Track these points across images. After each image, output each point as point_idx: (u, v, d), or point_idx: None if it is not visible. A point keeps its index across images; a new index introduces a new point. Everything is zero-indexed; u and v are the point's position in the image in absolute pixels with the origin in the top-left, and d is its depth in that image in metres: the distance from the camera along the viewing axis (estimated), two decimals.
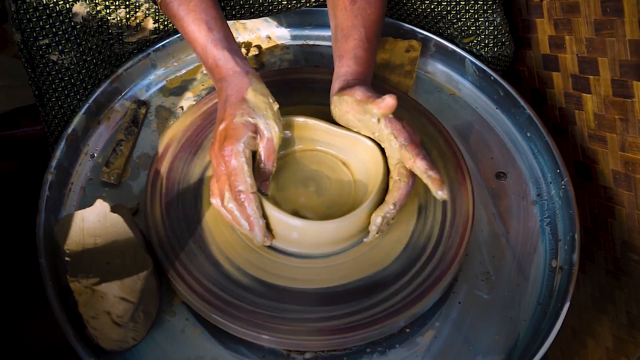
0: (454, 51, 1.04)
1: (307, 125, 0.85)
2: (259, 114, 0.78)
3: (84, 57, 0.95)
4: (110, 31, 0.96)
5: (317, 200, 0.82)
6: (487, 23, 1.04)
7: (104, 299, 0.74)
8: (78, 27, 0.93)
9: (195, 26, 0.83)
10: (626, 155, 0.88)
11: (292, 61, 1.07)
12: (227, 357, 0.78)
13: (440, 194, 0.74)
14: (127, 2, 0.94)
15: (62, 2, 0.91)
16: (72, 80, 0.95)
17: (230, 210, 0.77)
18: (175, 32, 1.01)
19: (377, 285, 0.78)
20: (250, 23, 1.08)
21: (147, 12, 0.97)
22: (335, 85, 0.84)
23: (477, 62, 1.02)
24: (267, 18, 1.08)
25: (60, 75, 0.94)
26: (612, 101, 0.89)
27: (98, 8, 0.93)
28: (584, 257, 0.98)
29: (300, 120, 0.84)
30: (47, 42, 0.92)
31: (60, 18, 0.91)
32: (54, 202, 0.88)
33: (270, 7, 1.01)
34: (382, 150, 0.81)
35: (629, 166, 0.88)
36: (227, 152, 0.76)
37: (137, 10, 0.96)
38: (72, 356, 0.76)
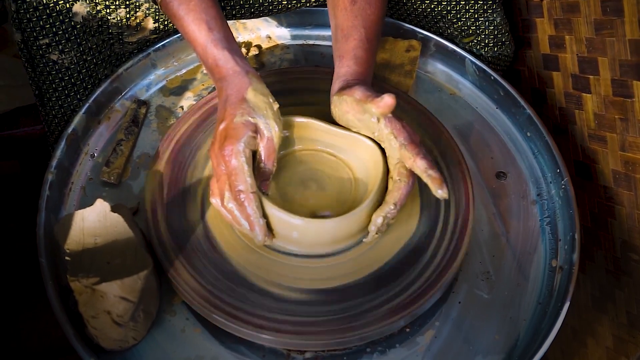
0: (454, 51, 1.04)
1: (307, 125, 0.85)
2: (259, 114, 0.78)
3: (84, 56, 0.95)
4: (110, 31, 0.97)
5: (317, 199, 0.82)
6: (487, 23, 1.04)
7: (104, 298, 0.74)
8: (78, 26, 0.93)
9: (195, 26, 0.83)
10: (626, 155, 0.88)
11: (292, 61, 1.08)
12: (227, 356, 0.78)
13: (441, 192, 0.74)
14: (127, 2, 0.94)
15: (62, 1, 0.91)
16: (73, 80, 0.95)
17: (230, 210, 0.77)
18: (176, 31, 1.01)
19: (377, 285, 0.78)
20: (251, 23, 1.08)
21: (147, 11, 0.97)
22: (336, 85, 0.84)
23: (477, 62, 1.02)
24: (267, 18, 1.08)
25: (60, 75, 0.94)
26: (612, 101, 0.89)
27: (98, 8, 0.93)
28: (584, 257, 0.98)
29: (300, 120, 0.84)
30: (47, 41, 0.92)
31: (61, 18, 0.91)
32: (54, 201, 0.88)
33: (270, 7, 1.01)
34: (382, 149, 0.81)
35: (629, 166, 0.88)
36: (227, 151, 0.76)
37: (137, 10, 0.96)
38: (73, 356, 0.76)
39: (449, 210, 0.84)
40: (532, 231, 0.90)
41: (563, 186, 0.90)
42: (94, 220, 0.79)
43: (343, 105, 0.81)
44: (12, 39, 1.28)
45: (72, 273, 0.75)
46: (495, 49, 1.06)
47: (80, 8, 0.92)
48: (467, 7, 1.03)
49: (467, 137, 0.98)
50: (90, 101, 0.95)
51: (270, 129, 0.78)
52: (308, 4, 1.03)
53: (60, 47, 0.92)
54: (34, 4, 0.89)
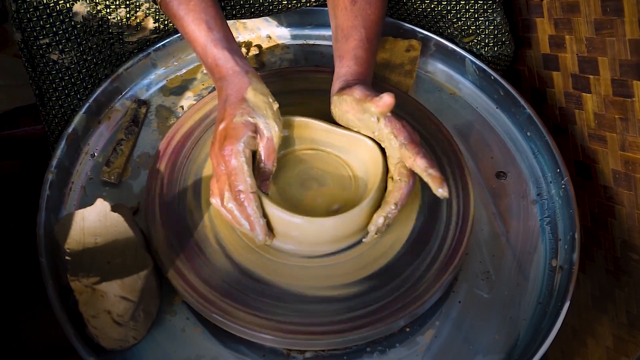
0: (454, 51, 1.04)
1: (307, 125, 0.85)
2: (259, 114, 0.78)
3: (85, 56, 0.95)
4: (110, 31, 0.97)
5: (317, 199, 0.82)
6: (487, 22, 1.04)
7: (104, 298, 0.74)
8: (78, 26, 0.93)
9: (195, 26, 0.83)
10: (626, 154, 0.88)
11: (292, 61, 1.08)
12: (227, 356, 0.78)
13: (441, 191, 0.74)
14: (128, 2, 0.94)
15: (62, 1, 0.91)
16: (73, 80, 0.95)
17: (230, 210, 0.77)
18: (176, 31, 1.01)
19: (377, 285, 0.78)
20: (251, 22, 1.08)
21: (147, 11, 0.97)
22: (336, 85, 0.84)
23: (477, 62, 1.02)
24: (267, 17, 1.08)
25: (60, 75, 0.94)
26: (612, 101, 0.89)
27: (98, 7, 0.93)
28: (584, 257, 0.98)
29: (299, 120, 0.84)
30: (48, 41, 0.92)
31: (61, 17, 0.91)
32: (55, 201, 0.88)
33: (271, 7, 1.01)
34: (382, 149, 0.81)
35: (629, 165, 0.88)
36: (227, 151, 0.76)
37: (138, 9, 0.96)
38: (73, 356, 0.76)
39: (449, 210, 0.84)
40: (532, 231, 0.90)
41: (563, 186, 0.90)
42: (94, 220, 0.79)
43: (343, 105, 0.81)
44: (13, 39, 1.28)
45: (73, 272, 0.75)
46: (495, 49, 1.07)
47: (80, 8, 0.92)
48: (467, 7, 1.03)
49: (467, 136, 0.98)
50: (90, 101, 0.95)
51: (270, 129, 0.78)
52: (308, 4, 1.03)
53: (60, 46, 0.92)
54: (34, 3, 0.89)
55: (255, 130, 0.77)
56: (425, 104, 0.95)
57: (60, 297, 0.77)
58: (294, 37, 1.10)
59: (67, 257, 0.77)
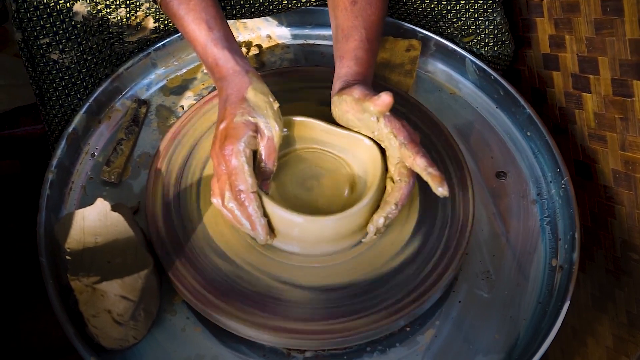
0: (454, 50, 1.04)
1: (307, 125, 0.85)
2: (260, 113, 0.78)
3: (85, 56, 0.95)
4: (110, 30, 0.97)
5: (317, 199, 0.82)
6: (487, 22, 1.04)
7: (104, 297, 0.74)
8: (79, 26, 0.93)
9: (195, 25, 0.83)
10: (626, 154, 0.88)
11: (292, 60, 1.08)
12: (227, 355, 0.78)
13: (441, 190, 0.74)
14: (128, 2, 0.94)
15: (62, 1, 0.91)
16: (73, 80, 0.95)
17: (231, 210, 0.77)
18: (176, 31, 1.01)
19: (377, 284, 0.78)
20: (251, 22, 1.08)
21: (147, 11, 0.97)
22: (336, 85, 0.84)
23: (478, 62, 1.02)
24: (267, 17, 1.08)
25: (60, 75, 0.94)
26: (612, 100, 0.89)
27: (98, 7, 0.93)
28: (584, 256, 0.98)
29: (299, 119, 0.84)
30: (48, 41, 0.92)
31: (61, 17, 0.91)
32: (55, 201, 0.88)
33: (271, 7, 1.01)
34: (381, 149, 0.81)
35: (629, 165, 0.88)
36: (228, 151, 0.76)
37: (138, 9, 0.96)
38: (73, 356, 0.76)
39: (449, 210, 0.84)
40: (532, 231, 0.90)
41: (563, 186, 0.90)
42: (95, 220, 0.79)
43: (343, 105, 0.81)
44: (13, 38, 1.28)
45: (73, 272, 0.75)
46: (495, 49, 1.07)
47: (80, 7, 0.92)
48: (467, 7, 1.03)
49: (467, 136, 0.98)
50: (90, 100, 0.95)
51: (270, 129, 0.78)
52: (308, 4, 1.03)
53: (60, 46, 0.92)
54: (35, 3, 0.89)
55: (256, 129, 0.77)
56: (425, 104, 0.95)
57: (61, 296, 0.77)
58: (294, 36, 1.10)
59: (67, 257, 0.77)
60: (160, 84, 1.03)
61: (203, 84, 1.03)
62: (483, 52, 1.06)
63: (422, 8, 1.04)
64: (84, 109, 0.94)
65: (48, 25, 0.91)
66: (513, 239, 0.89)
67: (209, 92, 0.97)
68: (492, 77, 1.00)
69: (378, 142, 0.81)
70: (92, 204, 0.81)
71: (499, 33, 1.05)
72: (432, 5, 1.04)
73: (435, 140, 0.90)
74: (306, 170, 0.85)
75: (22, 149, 1.22)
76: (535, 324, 0.82)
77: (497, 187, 0.93)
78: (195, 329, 0.80)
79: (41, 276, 0.78)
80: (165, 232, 0.81)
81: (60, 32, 0.92)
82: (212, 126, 0.90)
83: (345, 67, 0.85)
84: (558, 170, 0.92)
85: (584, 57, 0.94)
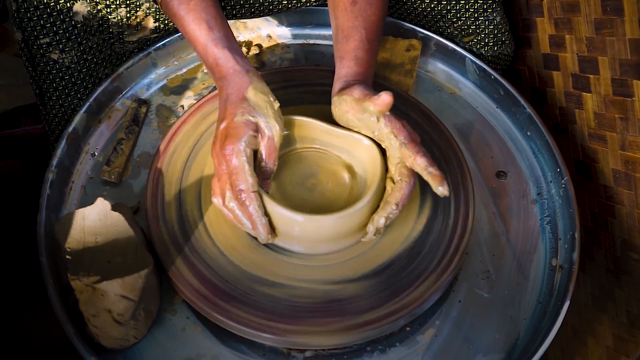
0: (455, 50, 1.04)
1: (307, 125, 0.85)
2: (260, 113, 0.78)
3: (85, 56, 0.95)
4: (110, 30, 0.97)
5: (317, 198, 0.82)
6: (487, 22, 1.04)
7: (104, 297, 0.74)
8: (79, 26, 0.93)
9: (196, 25, 0.83)
10: (626, 154, 0.88)
11: (292, 60, 1.08)
12: (227, 355, 0.78)
13: (441, 189, 0.74)
14: (128, 2, 0.94)
15: (62, 1, 0.91)
16: (73, 79, 0.95)
17: (232, 210, 0.77)
18: (176, 31, 1.01)
19: (377, 284, 0.78)
20: (251, 22, 1.08)
21: (147, 11, 0.97)
22: (336, 86, 0.84)
23: (478, 61, 1.02)
24: (267, 17, 1.08)
25: (60, 74, 0.95)
26: (612, 100, 0.89)
27: (99, 7, 0.93)
28: (584, 256, 0.98)
29: (299, 119, 0.84)
30: (48, 40, 0.92)
31: (61, 17, 0.91)
32: (55, 200, 0.88)
33: (271, 7, 1.01)
34: (381, 149, 0.81)
35: (629, 165, 0.88)
36: (228, 151, 0.76)
37: (138, 9, 0.96)
38: (73, 355, 0.76)
39: (449, 210, 0.84)
40: (532, 230, 0.90)
41: (563, 185, 0.90)
42: (95, 219, 0.79)
43: (343, 105, 0.81)
44: (13, 38, 1.28)
45: (73, 272, 0.75)
46: (495, 48, 1.07)
47: (80, 7, 0.92)
48: (467, 7, 1.03)
49: (468, 136, 0.98)
50: (90, 100, 0.95)
51: (271, 128, 0.78)
52: (308, 4, 1.03)
53: (60, 46, 0.92)
54: (35, 3, 0.89)
55: (256, 129, 0.77)
56: (425, 104, 0.95)
57: (61, 296, 0.77)
58: (294, 36, 1.10)
59: (67, 256, 0.77)
60: (161, 84, 1.03)
61: (203, 84, 1.03)
62: (483, 52, 1.06)
63: (422, 8, 1.04)
64: (84, 109, 0.94)
65: (48, 25, 0.91)
66: (513, 239, 0.89)
67: (209, 92, 0.97)
68: (492, 77, 1.00)
69: (378, 142, 0.81)
70: (92, 203, 0.81)
71: (499, 33, 1.05)
72: (432, 5, 1.04)
73: (436, 140, 0.90)
74: (306, 170, 0.85)
75: (22, 149, 1.22)
76: (535, 323, 0.82)
77: (497, 187, 0.93)
78: (195, 329, 0.80)
79: (41, 276, 0.78)
80: (165, 231, 0.81)
81: (61, 31, 0.92)
82: (212, 126, 0.90)
83: (345, 68, 0.85)
84: (558, 170, 0.92)
85: (584, 57, 0.94)
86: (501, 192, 0.93)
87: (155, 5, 0.96)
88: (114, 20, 0.95)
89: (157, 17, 0.98)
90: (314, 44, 1.10)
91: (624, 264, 0.90)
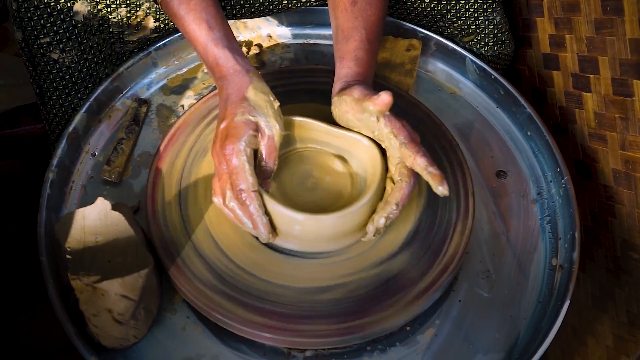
0: (455, 50, 1.04)
1: (307, 126, 0.85)
2: (260, 112, 0.78)
3: (85, 55, 0.95)
4: (111, 30, 0.97)
5: (317, 198, 0.82)
6: (487, 22, 1.04)
7: (105, 296, 0.74)
8: (79, 25, 0.93)
9: (196, 25, 0.83)
10: (626, 153, 0.88)
11: (292, 60, 1.08)
12: (228, 355, 0.78)
13: (441, 189, 0.74)
14: (128, 1, 0.95)
15: (63, 0, 0.91)
16: (73, 79, 0.95)
17: (233, 209, 0.77)
18: (176, 30, 1.01)
19: (377, 284, 0.78)
20: (251, 22, 1.09)
21: (147, 11, 0.97)
22: (336, 86, 0.84)
23: (478, 61, 1.02)
24: (267, 17, 1.08)
25: (61, 74, 0.95)
26: (612, 100, 0.89)
27: (99, 7, 0.93)
28: (584, 256, 0.98)
29: (299, 120, 0.84)
30: (48, 40, 0.92)
31: (61, 17, 0.91)
32: (55, 200, 0.88)
33: (271, 7, 1.01)
34: (381, 149, 0.81)
35: (629, 165, 0.88)
36: (229, 150, 0.76)
37: (138, 9, 0.96)
38: (73, 355, 0.77)
39: (449, 209, 0.84)
40: (532, 230, 0.90)
41: (563, 185, 0.90)
42: (95, 219, 0.79)
43: (343, 105, 0.81)
44: (13, 38, 1.28)
45: (73, 271, 0.75)
46: (495, 48, 1.07)
47: (81, 7, 0.92)
48: (467, 6, 1.03)
49: (468, 136, 0.98)
50: (91, 100, 0.95)
51: (271, 128, 0.78)
52: (308, 4, 1.03)
53: (61, 46, 0.93)
54: (35, 2, 0.89)
55: (257, 128, 0.77)
56: (425, 103, 0.95)
57: (61, 295, 0.77)
58: (294, 36, 1.10)
59: (67, 256, 0.77)
60: (161, 84, 1.03)
61: (203, 83, 1.03)
62: (483, 51, 1.07)
63: (422, 8, 1.04)
64: (84, 109, 0.94)
65: (48, 25, 0.91)
66: (513, 238, 0.89)
67: (210, 92, 0.97)
68: (493, 76, 1.00)
69: (378, 142, 0.81)
70: (92, 203, 0.81)
71: (499, 33, 1.05)
72: (432, 5, 1.04)
73: (436, 139, 0.90)
74: (306, 169, 0.85)
75: (23, 149, 1.22)
76: (535, 323, 0.82)
77: (497, 187, 0.94)
78: (195, 328, 0.80)
79: (41, 276, 0.78)
80: (165, 231, 0.81)
81: (61, 31, 0.92)
82: (212, 125, 0.90)
83: (345, 68, 0.85)
84: (558, 169, 0.92)
85: (584, 57, 0.94)
86: (501, 191, 0.93)
87: (155, 5, 0.96)
88: (114, 20, 0.95)
89: (158, 16, 0.98)
90: (314, 43, 1.10)
91: (624, 264, 0.90)
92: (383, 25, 0.91)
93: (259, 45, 1.08)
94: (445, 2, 1.03)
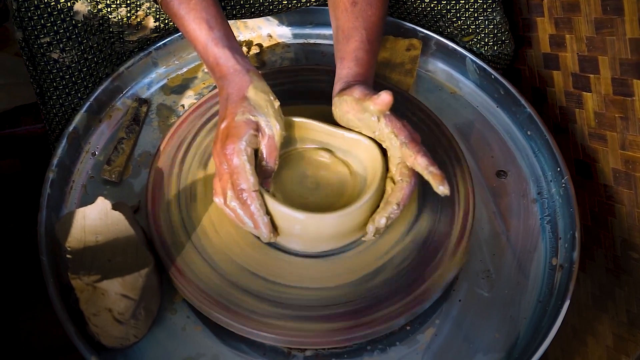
0: (455, 50, 1.04)
1: (307, 126, 0.85)
2: (260, 112, 0.78)
3: (85, 55, 0.95)
4: (111, 30, 0.97)
5: (317, 197, 0.83)
6: (487, 22, 1.04)
7: (105, 296, 0.74)
8: (79, 25, 0.93)
9: (196, 25, 0.83)
10: (626, 153, 0.88)
11: (293, 60, 1.08)
12: (228, 354, 0.78)
13: (442, 189, 0.74)
14: (128, 1, 0.95)
15: (63, 0, 0.91)
16: (73, 79, 0.96)
17: (234, 209, 0.77)
18: (176, 30, 1.01)
19: (378, 284, 0.78)
20: (252, 21, 1.09)
21: (148, 10, 0.97)
22: (337, 87, 0.84)
23: (478, 61, 1.02)
24: (268, 17, 1.08)
25: (61, 74, 0.95)
26: (612, 100, 0.89)
27: (99, 6, 0.93)
28: (584, 256, 0.98)
29: (300, 120, 0.84)
30: (49, 40, 0.92)
31: (62, 16, 0.91)
32: (55, 200, 0.88)
33: (271, 7, 1.01)
34: (381, 148, 0.81)
35: (629, 164, 0.88)
36: (229, 150, 0.76)
37: (138, 9, 0.96)
38: (73, 354, 0.77)
39: (449, 209, 0.84)
40: (532, 230, 0.90)
41: (563, 185, 0.91)
42: (95, 218, 0.79)
43: (343, 106, 0.81)
44: (14, 38, 1.28)
45: (73, 271, 0.75)
46: (495, 48, 1.07)
47: (81, 7, 0.92)
48: (467, 6, 1.03)
49: (468, 135, 0.98)
50: (91, 100, 0.95)
51: (271, 127, 0.78)
52: (309, 4, 1.03)
53: (61, 45, 0.93)
54: (35, 2, 0.89)
55: (257, 128, 0.77)
56: (425, 103, 0.95)
57: (61, 295, 0.77)
58: (294, 36, 1.10)
59: (68, 256, 0.77)
60: (161, 83, 1.03)
61: (204, 83, 1.03)
62: (483, 51, 1.07)
63: (422, 7, 1.04)
64: (84, 108, 0.94)
65: (49, 25, 0.91)
66: (513, 238, 0.89)
67: (210, 91, 0.97)
68: (493, 76, 1.00)
69: (379, 142, 0.81)
70: (93, 202, 0.81)
71: (499, 32, 1.05)
72: (432, 5, 1.04)
73: (436, 139, 0.90)
74: (307, 169, 0.85)
75: (23, 148, 1.22)
76: (535, 323, 0.82)
77: (497, 186, 0.94)
78: (195, 328, 0.80)
79: (42, 275, 0.78)
80: (165, 230, 0.81)
81: (61, 31, 0.92)
82: (212, 125, 0.90)
83: (346, 68, 0.85)
84: (558, 169, 0.92)
85: (584, 57, 0.94)
86: (501, 191, 0.93)
87: (155, 5, 0.96)
88: (115, 19, 0.95)
89: (158, 16, 0.98)
90: (314, 43, 1.10)
91: (624, 264, 0.90)
92: (383, 25, 0.91)
93: (259, 45, 1.08)
94: (445, 2, 1.03)
